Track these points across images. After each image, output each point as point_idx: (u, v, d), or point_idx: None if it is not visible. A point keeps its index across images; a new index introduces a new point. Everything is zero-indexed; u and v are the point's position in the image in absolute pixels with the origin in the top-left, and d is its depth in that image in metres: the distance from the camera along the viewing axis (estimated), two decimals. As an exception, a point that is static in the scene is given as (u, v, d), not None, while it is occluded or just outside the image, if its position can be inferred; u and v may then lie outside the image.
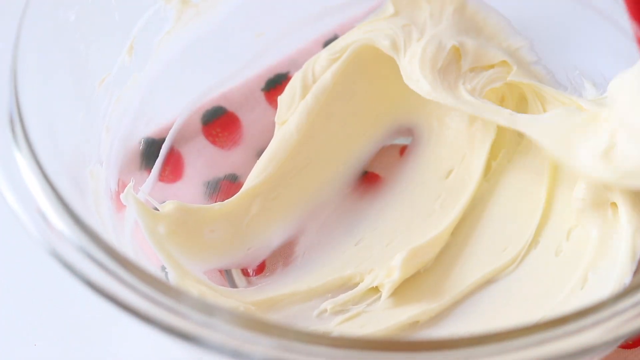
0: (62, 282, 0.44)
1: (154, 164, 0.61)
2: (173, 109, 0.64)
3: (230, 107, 0.66)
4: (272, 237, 0.60)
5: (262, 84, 0.67)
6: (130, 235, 0.54)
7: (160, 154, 0.62)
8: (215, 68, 0.66)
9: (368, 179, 0.64)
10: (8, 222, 0.46)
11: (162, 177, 0.62)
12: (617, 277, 0.53)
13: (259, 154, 0.62)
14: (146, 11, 0.60)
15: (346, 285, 0.58)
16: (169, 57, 0.62)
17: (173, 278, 0.54)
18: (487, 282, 0.57)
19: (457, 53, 0.61)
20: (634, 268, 0.53)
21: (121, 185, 0.57)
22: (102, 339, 0.59)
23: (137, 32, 0.59)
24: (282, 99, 0.62)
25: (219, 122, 0.64)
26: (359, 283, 0.58)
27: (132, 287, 0.43)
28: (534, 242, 0.58)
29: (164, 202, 0.57)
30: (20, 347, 0.59)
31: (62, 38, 0.54)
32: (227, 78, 0.66)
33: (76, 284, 0.43)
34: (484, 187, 0.61)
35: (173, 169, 0.63)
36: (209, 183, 0.63)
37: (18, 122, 0.48)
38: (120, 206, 0.55)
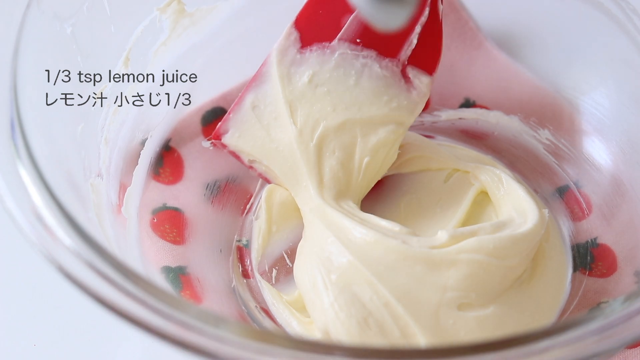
0: (61, 283, 0.45)
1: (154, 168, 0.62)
2: (170, 120, 0.64)
3: (229, 108, 0.65)
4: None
5: None
6: (134, 246, 0.54)
7: (154, 152, 0.62)
8: (211, 76, 0.66)
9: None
10: (7, 223, 0.46)
11: (162, 178, 0.62)
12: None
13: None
14: (141, 22, 0.60)
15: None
16: (164, 66, 0.62)
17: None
18: None
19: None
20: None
21: (122, 192, 0.57)
22: (100, 339, 0.59)
23: (132, 44, 0.59)
24: None
25: (218, 123, 0.63)
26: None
27: (138, 300, 0.43)
28: None
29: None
30: (20, 347, 0.59)
31: (60, 50, 0.54)
32: (223, 85, 0.66)
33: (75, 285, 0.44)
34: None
35: (173, 170, 0.63)
36: (208, 184, 0.63)
37: (20, 135, 0.48)
38: (121, 218, 0.55)
